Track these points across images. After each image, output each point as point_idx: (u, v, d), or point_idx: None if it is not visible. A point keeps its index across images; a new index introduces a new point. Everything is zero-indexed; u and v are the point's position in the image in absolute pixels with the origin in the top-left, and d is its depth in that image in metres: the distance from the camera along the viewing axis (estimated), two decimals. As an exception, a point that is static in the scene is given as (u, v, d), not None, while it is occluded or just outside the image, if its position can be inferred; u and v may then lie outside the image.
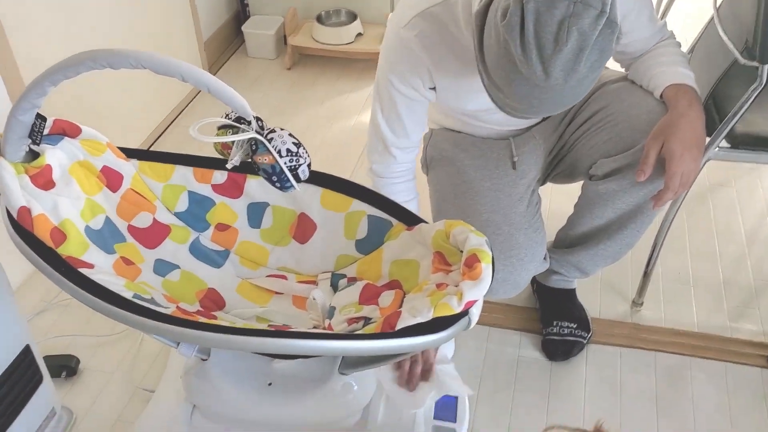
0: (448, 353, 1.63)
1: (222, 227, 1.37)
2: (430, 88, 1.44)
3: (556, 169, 1.64)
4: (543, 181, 1.67)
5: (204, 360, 1.32)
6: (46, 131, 1.19)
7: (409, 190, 1.57)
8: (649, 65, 1.44)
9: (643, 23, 1.41)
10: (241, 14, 3.09)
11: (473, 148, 1.60)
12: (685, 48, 1.49)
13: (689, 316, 1.81)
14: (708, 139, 1.47)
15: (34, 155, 1.19)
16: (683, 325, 1.78)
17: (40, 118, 1.16)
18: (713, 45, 1.56)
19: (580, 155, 1.53)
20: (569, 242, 1.65)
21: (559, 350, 1.70)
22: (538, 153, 1.59)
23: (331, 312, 1.28)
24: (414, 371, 1.39)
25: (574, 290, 1.79)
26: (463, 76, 1.40)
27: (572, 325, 1.72)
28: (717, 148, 1.52)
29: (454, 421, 1.47)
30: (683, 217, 2.12)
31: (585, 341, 1.72)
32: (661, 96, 1.40)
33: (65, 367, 1.65)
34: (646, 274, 1.77)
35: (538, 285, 1.81)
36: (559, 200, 1.84)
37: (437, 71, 1.39)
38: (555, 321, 1.73)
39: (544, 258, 1.55)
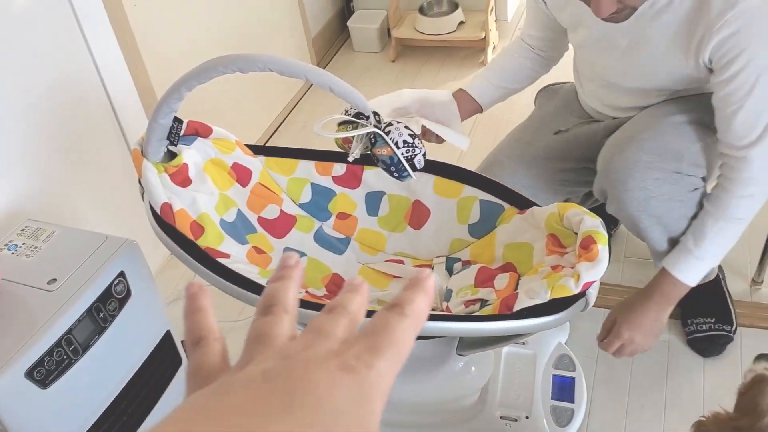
0: (563, 337, 1.65)
1: (343, 216, 1.45)
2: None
3: None
4: None
5: (330, 342, 1.39)
6: (181, 132, 1.29)
7: (520, 67, 1.62)
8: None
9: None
10: (345, 10, 3.18)
11: None
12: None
13: (814, 295, 1.76)
14: None
15: (171, 155, 1.30)
16: (808, 305, 1.73)
17: (177, 120, 1.26)
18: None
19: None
20: None
21: (705, 347, 1.63)
22: None
23: (448, 294, 1.33)
24: None
25: (712, 282, 1.65)
26: None
27: (709, 320, 1.64)
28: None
29: (572, 401, 1.49)
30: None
31: (730, 333, 1.63)
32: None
33: (200, 350, 1.76)
34: (766, 252, 1.73)
35: None
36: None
37: None
38: (689, 320, 1.66)
39: None
